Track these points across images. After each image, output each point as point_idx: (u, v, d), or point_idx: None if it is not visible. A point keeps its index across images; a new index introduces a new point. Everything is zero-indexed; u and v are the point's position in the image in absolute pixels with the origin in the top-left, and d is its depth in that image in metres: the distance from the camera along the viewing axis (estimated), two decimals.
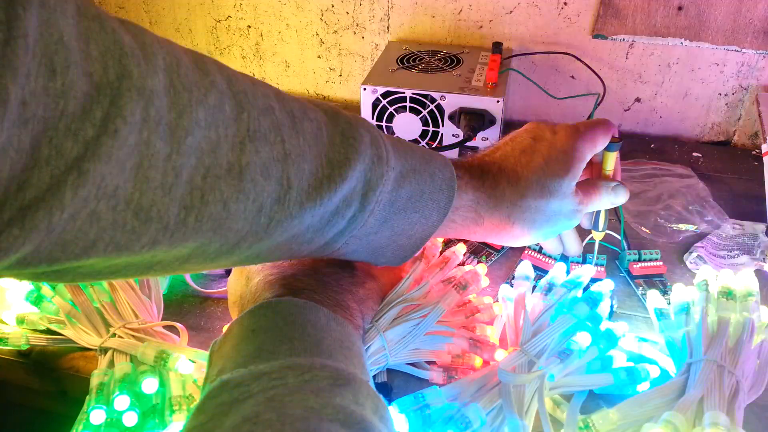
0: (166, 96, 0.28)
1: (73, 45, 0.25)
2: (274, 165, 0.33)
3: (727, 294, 0.52)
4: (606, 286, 0.54)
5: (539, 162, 0.45)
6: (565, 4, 0.84)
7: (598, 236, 0.55)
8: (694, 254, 0.62)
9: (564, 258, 0.61)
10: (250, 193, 0.32)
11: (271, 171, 0.33)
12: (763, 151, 0.70)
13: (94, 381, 0.47)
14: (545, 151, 0.46)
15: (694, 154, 0.85)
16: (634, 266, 0.60)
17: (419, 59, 0.85)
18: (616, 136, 0.49)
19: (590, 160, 0.49)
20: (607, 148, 0.49)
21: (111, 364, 0.49)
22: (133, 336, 0.50)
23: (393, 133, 0.78)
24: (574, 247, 0.56)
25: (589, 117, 0.80)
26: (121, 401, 0.45)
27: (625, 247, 0.63)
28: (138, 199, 0.28)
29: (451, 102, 0.75)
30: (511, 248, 0.65)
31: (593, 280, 0.56)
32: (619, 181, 0.50)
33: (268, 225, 0.34)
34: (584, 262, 0.60)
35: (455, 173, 0.43)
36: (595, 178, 0.51)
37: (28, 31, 0.23)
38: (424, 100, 0.75)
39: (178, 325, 0.53)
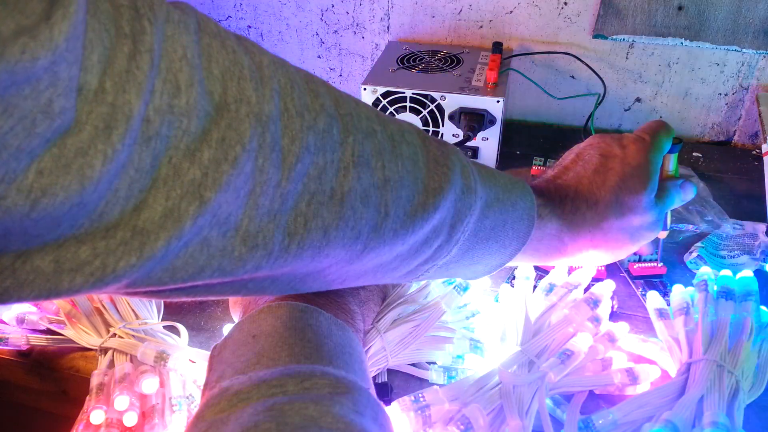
0: (280, 121, 0.28)
1: (196, 62, 0.24)
2: (374, 191, 0.32)
3: (727, 294, 0.52)
4: (606, 286, 0.54)
5: (615, 180, 0.44)
6: (565, 4, 0.84)
7: (663, 235, 0.54)
8: (694, 254, 0.62)
9: None
10: (350, 220, 0.31)
11: (370, 197, 0.32)
12: (763, 151, 0.69)
13: (94, 381, 0.47)
14: (619, 169, 0.44)
15: (695, 153, 0.85)
16: (634, 266, 0.60)
17: (419, 59, 0.84)
18: (675, 136, 0.49)
19: None
20: (669, 150, 0.49)
21: (111, 364, 0.49)
22: (133, 336, 0.50)
23: None
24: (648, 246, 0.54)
25: (590, 117, 0.80)
26: (121, 401, 0.45)
27: None
28: (246, 226, 0.27)
29: (451, 102, 0.75)
30: None
31: (594, 280, 0.56)
32: (684, 179, 0.50)
33: (362, 252, 0.33)
34: None
35: (536, 201, 0.42)
36: (661, 181, 0.49)
37: (154, 46, 0.22)
38: (425, 100, 0.75)
39: (178, 325, 0.53)
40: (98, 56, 0.21)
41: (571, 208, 0.44)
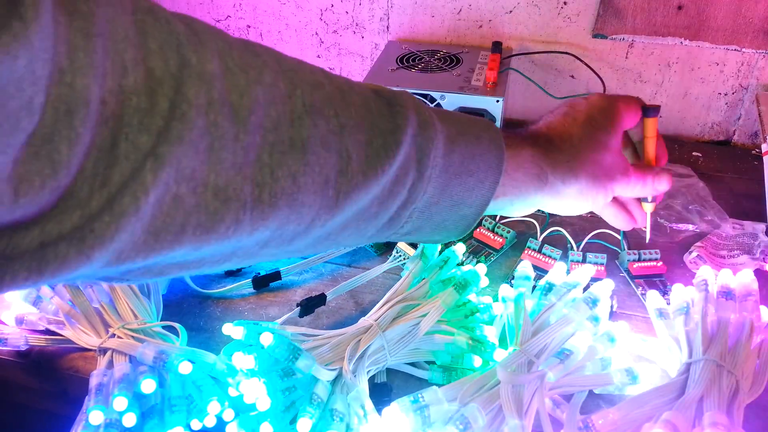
0: (224, 78, 0.29)
1: (136, 41, 0.26)
2: (332, 138, 0.34)
3: (727, 294, 0.52)
4: (606, 286, 0.54)
5: (583, 119, 0.46)
6: (565, 3, 0.83)
7: (648, 208, 0.51)
8: (694, 254, 0.62)
9: (564, 258, 0.61)
10: (315, 166, 0.33)
11: (330, 143, 0.34)
12: (763, 151, 0.69)
13: (94, 381, 0.47)
14: (586, 110, 0.47)
15: (694, 153, 0.85)
16: (634, 266, 0.60)
17: (419, 59, 0.84)
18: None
19: (633, 143, 0.50)
20: (646, 114, 0.49)
21: (110, 364, 0.49)
22: (132, 336, 0.50)
23: None
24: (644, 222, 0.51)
25: None
26: (120, 402, 0.45)
27: (625, 246, 0.63)
28: (214, 180, 0.29)
29: (451, 102, 0.75)
30: (511, 248, 0.65)
31: (593, 280, 0.56)
32: (662, 168, 0.50)
33: (336, 198, 0.35)
34: (584, 261, 0.60)
35: (502, 134, 0.43)
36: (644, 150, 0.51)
37: (102, 29, 0.24)
38: (424, 100, 0.75)
39: (177, 325, 0.53)
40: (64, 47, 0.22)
41: (544, 141, 0.45)
